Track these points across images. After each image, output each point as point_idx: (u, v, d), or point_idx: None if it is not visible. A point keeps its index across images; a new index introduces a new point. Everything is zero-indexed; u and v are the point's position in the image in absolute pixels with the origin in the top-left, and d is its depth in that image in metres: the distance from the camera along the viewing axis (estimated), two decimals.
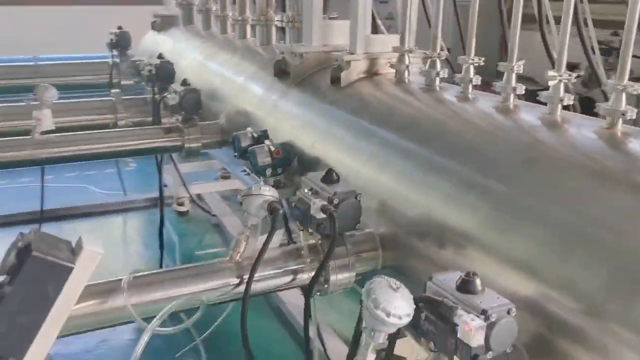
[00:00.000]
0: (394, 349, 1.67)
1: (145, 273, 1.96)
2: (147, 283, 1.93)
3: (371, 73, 3.03)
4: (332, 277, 2.11)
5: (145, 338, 1.42)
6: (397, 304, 1.38)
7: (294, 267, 2.14)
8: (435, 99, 2.60)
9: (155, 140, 3.71)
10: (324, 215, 1.99)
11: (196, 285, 1.99)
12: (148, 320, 1.80)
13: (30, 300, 1.47)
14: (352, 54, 2.99)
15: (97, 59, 5.81)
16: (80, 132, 3.59)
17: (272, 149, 2.77)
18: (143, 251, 5.25)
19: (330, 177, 2.13)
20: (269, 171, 2.77)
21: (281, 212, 2.01)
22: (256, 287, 2.06)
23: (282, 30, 3.95)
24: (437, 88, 2.68)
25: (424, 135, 2.36)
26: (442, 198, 2.08)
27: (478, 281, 1.51)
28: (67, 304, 1.51)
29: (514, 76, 2.29)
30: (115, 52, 5.69)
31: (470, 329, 1.38)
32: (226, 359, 3.38)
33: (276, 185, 2.78)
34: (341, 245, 2.14)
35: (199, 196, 5.88)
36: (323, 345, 2.48)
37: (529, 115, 2.21)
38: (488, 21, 4.29)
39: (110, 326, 1.89)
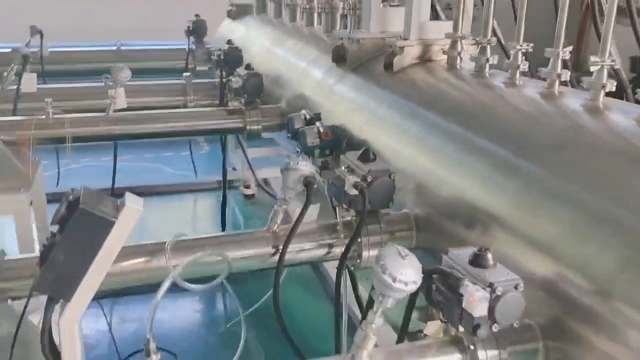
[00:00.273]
0: (410, 318, 1.74)
1: (188, 238, 2.11)
2: (189, 247, 2.08)
3: (424, 59, 3.06)
4: (364, 253, 2.18)
5: (167, 283, 1.56)
6: (404, 271, 1.44)
7: (329, 241, 2.23)
8: (483, 84, 2.61)
9: (219, 121, 3.89)
10: (357, 192, 2.06)
11: (235, 252, 2.12)
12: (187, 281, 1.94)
13: (77, 249, 1.64)
14: (405, 39, 3.03)
15: (175, 46, 6.12)
16: (149, 111, 3.83)
17: (321, 130, 2.86)
18: (210, 229, 5.48)
19: (367, 155, 2.20)
20: (317, 152, 2.87)
21: (315, 186, 2.11)
22: (291, 257, 2.17)
23: (346, 17, 4.03)
24: (487, 74, 2.68)
25: (467, 118, 2.39)
26: (475, 179, 2.11)
27: (489, 256, 1.55)
28: (109, 253, 1.67)
29: (559, 62, 2.27)
30: (192, 39, 5.96)
31: (474, 299, 1.42)
32: (274, 331, 3.52)
33: (324, 166, 2.88)
34: (375, 223, 2.21)
35: (265, 180, 6.07)
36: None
37: (572, 101, 2.19)
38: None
39: (155, 283, 2.04)
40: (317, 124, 2.96)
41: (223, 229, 4.66)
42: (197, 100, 4.37)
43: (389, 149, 2.65)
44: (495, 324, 1.48)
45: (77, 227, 1.63)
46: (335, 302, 2.18)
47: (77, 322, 1.73)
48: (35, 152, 3.82)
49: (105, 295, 4.16)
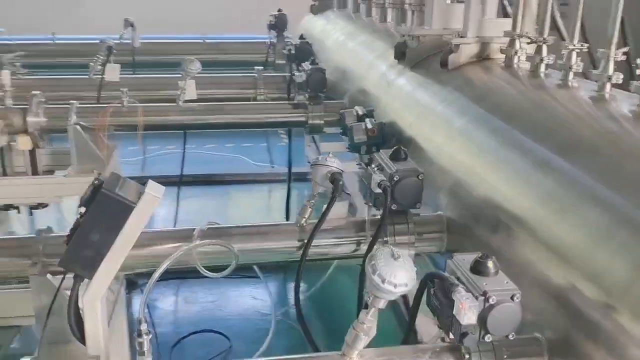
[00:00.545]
0: (414, 321, 1.72)
1: (218, 225, 2.19)
2: (217, 234, 2.15)
3: (482, 57, 2.97)
4: None
5: (162, 269, 1.63)
6: (394, 273, 1.42)
7: (356, 238, 2.23)
8: (534, 84, 2.51)
9: (282, 114, 3.97)
10: (380, 190, 2.05)
11: (261, 243, 2.17)
12: (209, 269, 2.02)
13: (98, 230, 1.75)
14: (462, 37, 2.95)
15: (258, 39, 6.29)
16: (216, 103, 3.97)
17: (369, 127, 2.85)
18: (278, 219, 5.61)
19: (398, 154, 2.19)
20: (363, 149, 2.87)
21: (341, 183, 2.11)
22: (316, 252, 2.20)
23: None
24: (541, 74, 2.56)
25: (509, 118, 2.31)
26: (507, 181, 2.05)
27: (490, 264, 1.50)
28: (130, 236, 1.77)
29: (611, 64, 2.13)
30: (273, 33, 6.10)
31: (463, 306, 1.39)
32: (322, 324, 3.56)
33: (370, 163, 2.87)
34: (403, 223, 2.19)
35: None
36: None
37: (621, 105, 2.06)
38: None
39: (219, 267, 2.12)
40: (367, 120, 2.96)
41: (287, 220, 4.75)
42: (266, 93, 4.46)
43: (432, 144, 2.63)
44: (488, 335, 1.43)
45: (99, 210, 1.74)
46: (358, 300, 2.18)
47: (99, 299, 1.85)
48: (126, 139, 4.08)
49: (172, 277, 4.39)
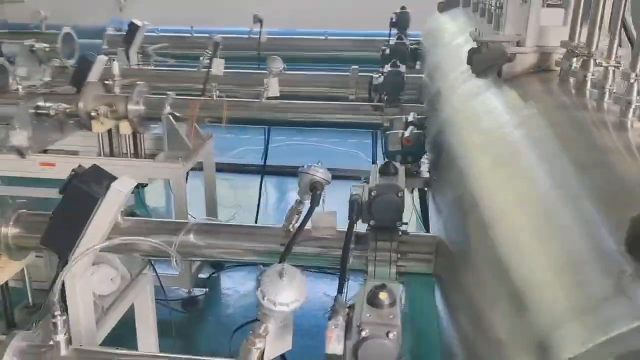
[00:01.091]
0: None
1: (210, 222, 2.30)
2: (206, 230, 2.25)
3: (542, 68, 2.71)
4: (370, 268, 2.11)
5: (88, 252, 1.75)
6: (275, 291, 1.41)
7: (338, 250, 2.19)
8: (567, 103, 2.26)
9: (360, 116, 3.96)
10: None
11: (246, 243, 2.23)
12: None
13: (71, 216, 1.94)
14: (519, 45, 2.72)
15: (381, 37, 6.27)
16: (296, 101, 4.06)
17: (405, 136, 2.76)
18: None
19: (387, 168, 2.11)
20: (398, 157, 2.78)
21: (319, 193, 2.09)
22: (300, 259, 2.20)
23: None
24: (587, 92, 2.28)
25: (526, 134, 2.11)
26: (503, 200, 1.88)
27: (383, 295, 1.41)
28: (100, 225, 1.95)
29: (635, 87, 1.84)
30: (394, 31, 6.04)
31: (330, 336, 1.34)
32: None
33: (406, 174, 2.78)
34: (387, 240, 2.11)
35: None
36: None
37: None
38: None
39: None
40: (410, 128, 2.86)
41: None
42: (358, 93, 4.45)
43: (458, 152, 2.49)
44: None
45: (70, 198, 1.93)
46: None
47: (79, 278, 2.05)
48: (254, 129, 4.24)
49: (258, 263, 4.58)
